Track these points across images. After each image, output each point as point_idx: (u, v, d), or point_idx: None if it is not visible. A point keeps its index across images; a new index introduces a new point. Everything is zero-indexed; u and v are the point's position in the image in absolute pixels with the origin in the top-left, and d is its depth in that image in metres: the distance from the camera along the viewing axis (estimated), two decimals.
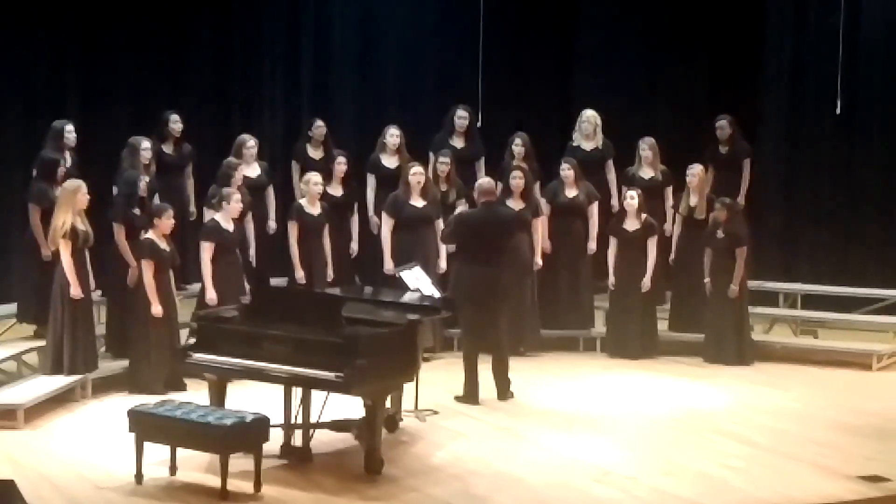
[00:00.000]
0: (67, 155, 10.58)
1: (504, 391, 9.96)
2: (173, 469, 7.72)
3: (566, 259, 11.77)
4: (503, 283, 9.89)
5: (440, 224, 11.19)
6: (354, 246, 11.71)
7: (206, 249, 10.25)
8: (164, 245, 9.87)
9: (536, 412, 9.62)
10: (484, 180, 10.24)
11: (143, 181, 10.37)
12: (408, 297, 9.05)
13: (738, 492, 7.72)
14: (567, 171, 11.73)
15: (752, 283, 11.84)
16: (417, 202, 11.20)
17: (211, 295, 10.14)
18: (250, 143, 11.43)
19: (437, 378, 10.17)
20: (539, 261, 11.43)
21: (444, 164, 11.64)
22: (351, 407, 8.31)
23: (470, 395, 9.85)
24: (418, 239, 11.17)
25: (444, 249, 11.24)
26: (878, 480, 7.90)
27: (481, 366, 9.90)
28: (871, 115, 13.05)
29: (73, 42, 12.36)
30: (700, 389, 10.49)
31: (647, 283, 11.47)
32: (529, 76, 13.97)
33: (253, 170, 11.43)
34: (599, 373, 11.09)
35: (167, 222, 9.88)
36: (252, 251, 11.05)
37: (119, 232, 10.14)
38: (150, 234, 9.86)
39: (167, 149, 11.53)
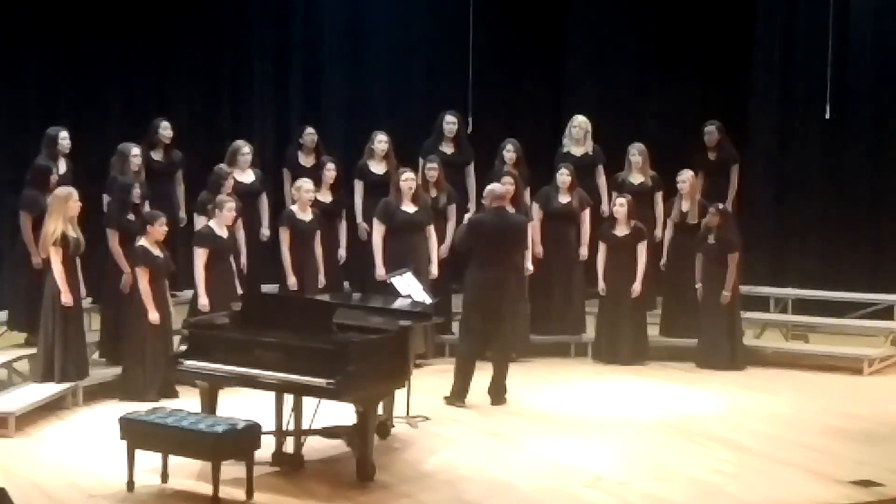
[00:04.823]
0: (62, 162, 10.57)
1: (498, 397, 9.96)
2: (165, 476, 7.72)
3: (558, 265, 11.75)
4: (511, 289, 9.90)
5: (431, 230, 11.20)
6: (342, 252, 11.71)
7: (200, 256, 10.22)
8: (157, 252, 9.85)
9: (528, 418, 9.62)
10: (497, 185, 10.14)
11: (137, 187, 10.37)
12: (399, 304, 9.06)
13: (730, 497, 7.72)
14: (565, 176, 11.67)
15: (743, 288, 11.84)
16: (409, 208, 11.19)
17: (203, 301, 10.12)
18: (245, 149, 11.41)
19: (429, 384, 10.16)
20: (530, 266, 11.42)
21: (432, 169, 11.61)
22: (342, 413, 8.32)
23: (458, 394, 9.87)
24: (410, 245, 11.12)
25: (435, 255, 11.25)
26: (870, 485, 7.92)
27: (477, 371, 9.92)
28: (861, 119, 13.06)
29: (63, 49, 12.34)
30: (691, 394, 10.50)
31: (636, 288, 11.48)
32: (520, 82, 13.98)
33: (247, 176, 11.41)
34: (591, 378, 11.09)
35: (160, 229, 9.86)
36: (243, 258, 11.04)
37: (113, 238, 10.13)
38: (142, 241, 9.83)
39: (157, 156, 11.51)
